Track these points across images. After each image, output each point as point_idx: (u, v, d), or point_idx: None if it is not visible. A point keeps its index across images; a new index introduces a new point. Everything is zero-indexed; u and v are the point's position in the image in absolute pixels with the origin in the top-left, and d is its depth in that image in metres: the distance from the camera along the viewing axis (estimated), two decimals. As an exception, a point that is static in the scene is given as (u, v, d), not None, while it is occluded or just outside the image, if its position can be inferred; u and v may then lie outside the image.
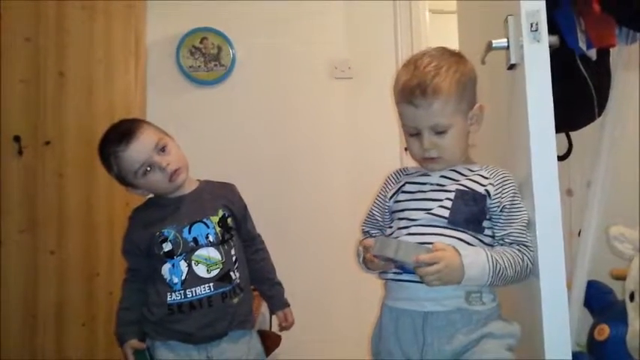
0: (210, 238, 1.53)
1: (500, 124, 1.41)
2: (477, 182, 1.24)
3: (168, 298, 1.50)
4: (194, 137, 2.43)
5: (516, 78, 1.26)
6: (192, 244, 1.51)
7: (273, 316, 1.75)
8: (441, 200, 1.23)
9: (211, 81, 2.77)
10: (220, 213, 1.57)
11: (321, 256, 2.72)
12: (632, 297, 1.57)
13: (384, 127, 2.65)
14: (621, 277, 1.65)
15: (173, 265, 1.51)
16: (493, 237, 1.23)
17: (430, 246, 1.15)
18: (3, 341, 2.06)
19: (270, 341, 1.85)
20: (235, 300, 1.53)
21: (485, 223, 1.23)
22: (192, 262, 1.50)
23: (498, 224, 1.22)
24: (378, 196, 1.37)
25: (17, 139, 2.17)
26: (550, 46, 1.20)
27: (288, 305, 1.70)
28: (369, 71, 2.81)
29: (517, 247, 1.19)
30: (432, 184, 1.27)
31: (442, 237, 1.19)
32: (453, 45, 1.45)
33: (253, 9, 2.78)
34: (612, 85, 1.63)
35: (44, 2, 2.28)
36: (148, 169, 1.50)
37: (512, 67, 1.26)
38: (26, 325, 2.15)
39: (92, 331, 2.27)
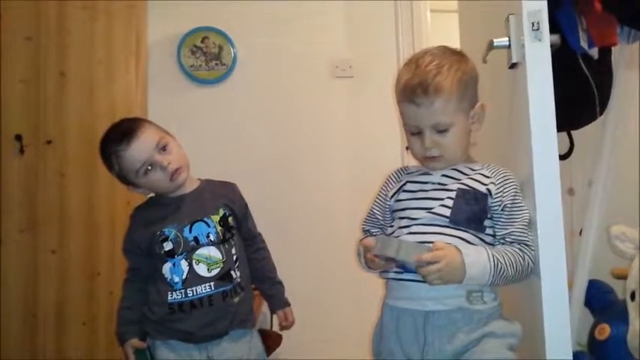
0: (211, 237, 1.53)
1: (501, 123, 1.41)
2: (479, 181, 1.24)
3: (169, 297, 1.50)
4: (195, 136, 2.43)
5: (518, 77, 1.26)
6: (193, 243, 1.51)
7: (274, 316, 1.74)
8: (442, 199, 1.23)
9: (212, 80, 2.77)
10: (221, 212, 1.57)
11: (321, 255, 2.72)
12: (632, 296, 1.57)
13: (386, 126, 2.66)
14: (622, 277, 1.65)
15: (174, 264, 1.51)
16: (494, 236, 1.23)
17: (431, 245, 1.14)
18: (3, 341, 2.07)
19: (271, 340, 1.85)
20: (236, 299, 1.53)
21: (487, 222, 1.23)
22: (193, 261, 1.50)
23: (499, 223, 1.22)
24: (378, 195, 1.37)
25: (19, 138, 2.17)
26: (551, 45, 1.20)
27: (289, 304, 1.70)
28: (370, 70, 2.81)
29: (518, 246, 1.19)
30: (433, 183, 1.27)
31: (443, 236, 1.19)
32: (455, 44, 1.45)
33: (254, 9, 2.77)
34: (614, 84, 1.63)
35: (45, 2, 2.29)
36: (149, 168, 1.50)
37: (513, 66, 1.26)
38: (26, 325, 2.15)
39: (93, 330, 2.28)
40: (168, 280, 1.51)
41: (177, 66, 2.75)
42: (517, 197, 1.22)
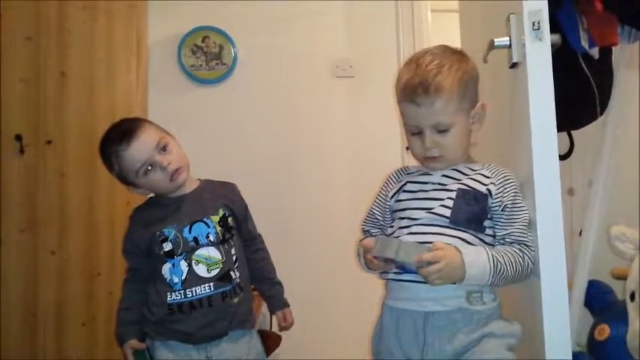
0: (211, 238, 1.53)
1: (501, 122, 1.41)
2: (479, 181, 1.23)
3: (169, 298, 1.50)
4: (195, 136, 2.43)
5: (518, 77, 1.26)
6: (192, 243, 1.51)
7: (274, 316, 1.74)
8: (442, 199, 1.23)
9: (213, 80, 2.77)
10: (221, 212, 1.57)
11: (321, 255, 2.72)
12: (632, 297, 1.57)
13: (386, 126, 2.66)
14: (622, 277, 1.65)
15: (173, 265, 1.51)
16: (494, 236, 1.23)
17: (430, 245, 1.14)
18: (3, 341, 2.06)
19: (270, 341, 1.85)
20: (235, 300, 1.53)
21: (487, 223, 1.23)
22: (193, 262, 1.50)
23: (499, 223, 1.22)
24: (378, 195, 1.37)
25: (19, 138, 2.16)
26: (552, 45, 1.20)
27: (288, 305, 1.70)
28: (371, 70, 2.80)
29: (518, 246, 1.19)
30: (433, 184, 1.27)
31: (443, 236, 1.19)
32: (455, 44, 1.45)
33: (254, 8, 2.77)
34: (614, 84, 1.63)
35: (45, 2, 2.28)
36: (149, 168, 1.50)
37: (514, 65, 1.26)
38: (26, 325, 2.14)
39: (92, 330, 2.27)
40: (167, 280, 1.51)
41: (177, 66, 2.75)
42: (517, 197, 1.22)
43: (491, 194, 1.22)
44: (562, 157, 1.58)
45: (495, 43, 1.28)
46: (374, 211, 1.36)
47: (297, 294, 1.79)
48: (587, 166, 1.70)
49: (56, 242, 2.23)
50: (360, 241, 1.28)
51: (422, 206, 1.24)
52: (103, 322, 2.27)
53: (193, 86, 2.77)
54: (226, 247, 1.55)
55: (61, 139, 2.27)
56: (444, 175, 1.27)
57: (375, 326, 1.31)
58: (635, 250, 1.61)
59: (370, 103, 2.78)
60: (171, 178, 1.52)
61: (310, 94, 2.82)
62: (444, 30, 2.38)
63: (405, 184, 1.31)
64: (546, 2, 1.19)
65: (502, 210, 1.21)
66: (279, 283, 1.71)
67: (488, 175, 1.24)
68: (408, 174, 1.34)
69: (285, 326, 1.70)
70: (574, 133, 1.74)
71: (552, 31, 1.20)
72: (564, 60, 1.38)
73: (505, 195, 1.21)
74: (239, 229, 1.62)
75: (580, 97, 1.55)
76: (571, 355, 1.16)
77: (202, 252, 1.52)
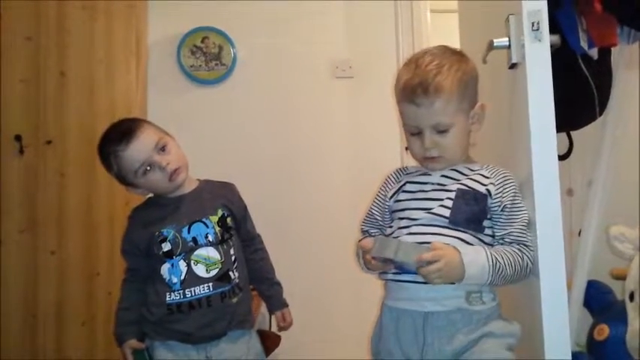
0: (210, 238, 1.53)
1: (501, 123, 1.41)
2: (478, 182, 1.23)
3: (168, 298, 1.50)
4: (195, 137, 2.44)
5: (517, 77, 1.26)
6: (191, 243, 1.51)
7: (273, 316, 1.74)
8: (441, 200, 1.23)
9: (212, 80, 2.77)
10: (220, 213, 1.57)
11: (321, 255, 2.72)
12: (631, 297, 1.57)
13: (385, 127, 2.66)
14: (621, 277, 1.65)
15: (172, 265, 1.51)
16: (493, 236, 1.23)
17: (429, 245, 1.14)
18: (3, 341, 2.06)
19: (269, 341, 1.85)
20: (234, 300, 1.53)
21: (486, 223, 1.23)
22: (192, 262, 1.50)
23: (499, 224, 1.22)
24: (377, 195, 1.37)
25: (18, 138, 2.16)
26: (551, 46, 1.19)
27: (287, 305, 1.70)
28: (370, 70, 2.81)
29: (517, 246, 1.19)
30: (432, 184, 1.27)
31: (443, 237, 1.19)
32: (455, 44, 1.45)
33: (254, 9, 2.78)
34: (613, 85, 1.63)
35: (45, 2, 2.28)
36: (148, 168, 1.50)
37: (513, 66, 1.26)
38: (26, 325, 2.14)
39: (92, 330, 2.27)
40: (166, 280, 1.51)
41: (177, 66, 2.75)
42: (516, 198, 1.22)
43: (490, 194, 1.22)
44: (561, 158, 1.59)
45: (495, 44, 1.28)
46: (373, 211, 1.36)
47: (297, 294, 1.79)
48: (587, 166, 1.70)
49: (56, 242, 2.23)
50: (359, 241, 1.28)
51: (421, 206, 1.24)
52: (102, 322, 2.27)
53: (193, 86, 2.78)
54: (225, 247, 1.55)
55: (60, 139, 2.27)
56: (443, 176, 1.27)
57: (375, 326, 1.31)
58: (634, 250, 1.61)
59: (370, 103, 2.78)
60: (170, 179, 1.52)
61: (310, 95, 2.82)
62: (444, 30, 2.39)
63: (404, 185, 1.31)
64: (545, 3, 1.19)
65: (501, 210, 1.21)
66: (278, 284, 1.71)
67: (488, 175, 1.25)
68: (407, 174, 1.34)
69: (284, 326, 1.70)
70: (573, 133, 1.74)
71: (551, 31, 1.20)
72: (563, 60, 1.38)
73: (504, 195, 1.22)
74: (238, 230, 1.62)
75: (579, 97, 1.55)
76: (570, 355, 1.16)
77: (201, 252, 1.52)
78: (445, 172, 1.27)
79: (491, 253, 1.15)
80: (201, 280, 1.50)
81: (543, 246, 1.17)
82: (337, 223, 2.68)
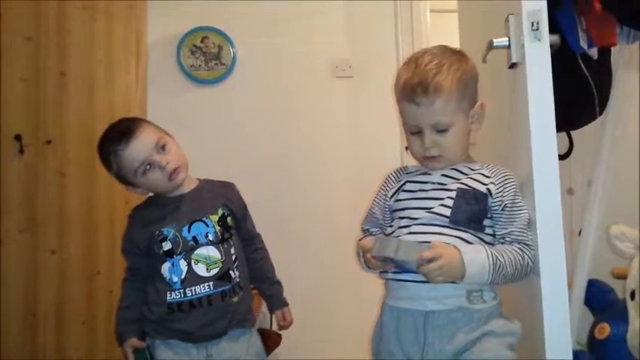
0: (210, 237, 1.53)
1: (501, 122, 1.41)
2: (479, 181, 1.23)
3: (168, 297, 1.50)
4: (194, 136, 2.44)
5: (517, 77, 1.26)
6: (191, 242, 1.51)
7: (273, 315, 1.74)
8: (442, 199, 1.23)
9: (212, 80, 2.77)
10: (220, 212, 1.57)
11: (321, 255, 2.72)
12: (632, 296, 1.57)
13: (385, 126, 2.66)
14: (622, 276, 1.65)
15: (173, 264, 1.51)
16: (494, 236, 1.23)
17: (429, 244, 1.14)
18: (3, 340, 2.06)
19: (270, 340, 1.85)
20: (235, 299, 1.53)
21: (486, 222, 1.23)
22: (192, 261, 1.50)
23: (499, 223, 1.22)
24: (378, 194, 1.37)
25: (18, 138, 2.17)
26: (551, 45, 1.20)
27: (287, 304, 1.70)
28: (370, 70, 2.81)
29: (518, 245, 1.19)
30: (433, 183, 1.27)
31: (443, 236, 1.19)
32: (454, 44, 1.45)
33: (254, 8, 2.77)
34: (613, 84, 1.63)
35: (45, 2, 2.28)
36: (148, 167, 1.50)
37: (513, 66, 1.26)
38: (26, 325, 2.14)
39: (92, 329, 2.27)
40: (167, 279, 1.51)
41: (176, 66, 2.75)
42: (517, 197, 1.22)
43: (491, 194, 1.22)
44: (561, 157, 1.59)
45: (494, 44, 1.28)
46: (373, 210, 1.36)
47: (297, 293, 1.79)
48: (587, 165, 1.70)
49: (56, 242, 2.24)
50: (359, 240, 1.28)
51: (421, 206, 1.24)
52: (103, 321, 2.27)
53: (192, 86, 2.77)
54: (225, 246, 1.55)
55: (60, 139, 2.27)
56: (443, 175, 1.27)
57: (375, 326, 1.31)
58: (634, 249, 1.61)
59: (369, 103, 2.78)
60: (170, 178, 1.52)
61: (310, 94, 2.82)
62: (443, 30, 2.38)
63: (404, 184, 1.31)
64: (545, 2, 1.19)
65: (502, 209, 1.21)
66: (279, 283, 1.71)
67: (488, 174, 1.25)
68: (407, 174, 1.34)
69: (284, 325, 1.70)
70: (573, 133, 1.74)
71: (551, 31, 1.20)
72: (563, 60, 1.38)
73: (505, 194, 1.22)
74: (238, 229, 1.62)
75: (579, 97, 1.55)
76: (571, 353, 1.16)
77: (202, 251, 1.52)
78: (445, 172, 1.27)
79: (491, 252, 1.15)
80: (201, 279, 1.50)
81: (544, 245, 1.17)
82: (337, 222, 2.68)
